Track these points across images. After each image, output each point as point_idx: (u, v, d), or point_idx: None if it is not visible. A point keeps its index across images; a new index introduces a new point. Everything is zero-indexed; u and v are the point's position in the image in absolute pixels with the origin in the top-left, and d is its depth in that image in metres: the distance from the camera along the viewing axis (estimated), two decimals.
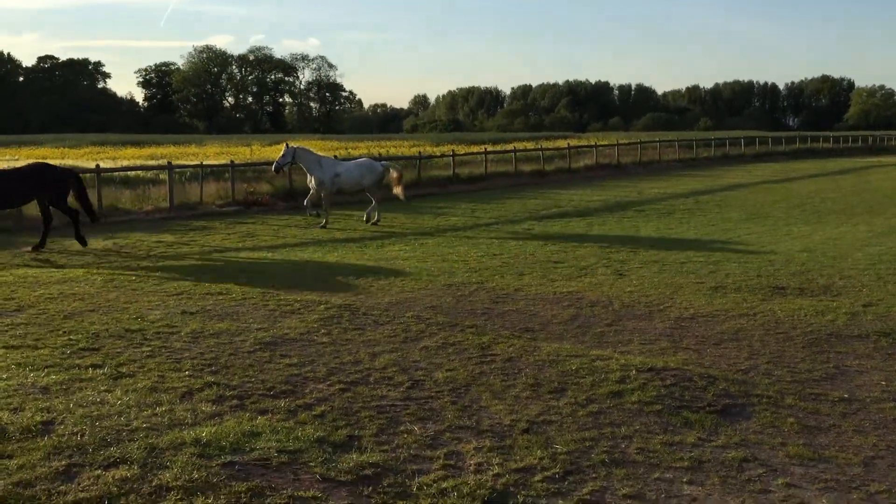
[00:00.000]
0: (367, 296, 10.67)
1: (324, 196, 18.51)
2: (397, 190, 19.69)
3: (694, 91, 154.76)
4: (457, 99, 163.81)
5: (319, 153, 19.77)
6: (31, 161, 21.29)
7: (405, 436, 5.77)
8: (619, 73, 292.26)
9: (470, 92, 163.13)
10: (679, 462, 5.38)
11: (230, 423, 5.90)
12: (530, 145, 47.40)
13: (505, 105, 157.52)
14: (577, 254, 14.41)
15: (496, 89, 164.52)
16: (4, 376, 7.00)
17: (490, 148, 40.24)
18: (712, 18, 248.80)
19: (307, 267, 13.02)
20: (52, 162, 21.11)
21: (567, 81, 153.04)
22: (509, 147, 41.51)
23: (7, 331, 8.63)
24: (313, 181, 18.46)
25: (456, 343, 8.25)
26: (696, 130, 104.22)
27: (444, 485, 4.99)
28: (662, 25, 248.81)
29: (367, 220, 18.74)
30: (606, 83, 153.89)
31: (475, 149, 40.93)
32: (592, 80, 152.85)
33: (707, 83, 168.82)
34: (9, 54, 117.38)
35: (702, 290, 10.99)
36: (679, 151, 47.58)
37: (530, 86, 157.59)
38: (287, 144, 18.86)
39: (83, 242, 14.85)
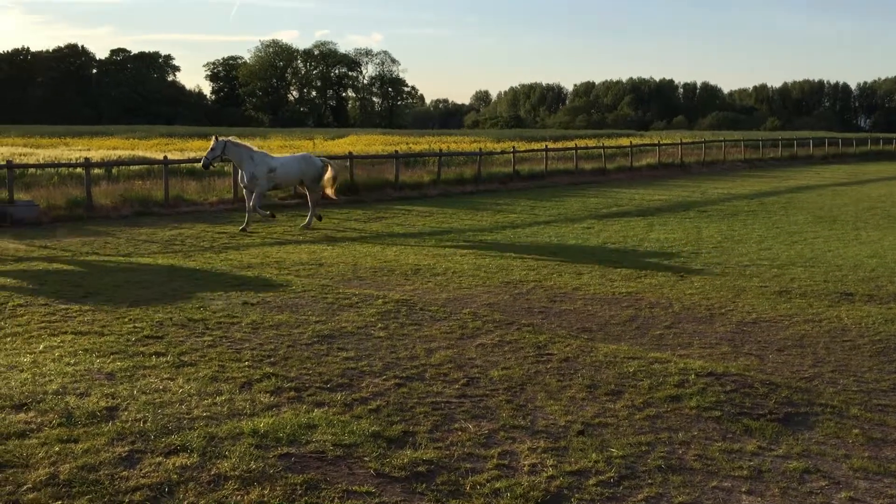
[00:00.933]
0: (424, 291, 10.70)
1: (256, 194, 16.98)
2: (329, 191, 18.35)
3: (761, 90, 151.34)
4: (518, 95, 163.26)
5: (253, 147, 17.92)
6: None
7: (459, 433, 5.77)
8: (684, 70, 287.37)
9: (532, 88, 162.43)
10: (738, 471, 5.27)
11: (287, 415, 5.99)
12: (592, 143, 46.96)
13: (567, 102, 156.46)
14: (637, 254, 14.23)
15: (558, 86, 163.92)
16: (72, 361, 7.24)
17: (551, 145, 39.96)
18: (781, 16, 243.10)
19: (366, 261, 13.13)
20: (122, 153, 21.51)
21: (630, 79, 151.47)
22: (570, 145, 41.19)
23: (76, 317, 8.92)
24: (244, 177, 17.04)
25: (512, 341, 8.22)
26: (762, 130, 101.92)
27: (498, 485, 4.98)
28: (730, 23, 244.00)
29: (307, 226, 17.45)
30: (671, 81, 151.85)
31: (536, 146, 40.71)
32: (657, 78, 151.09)
33: (775, 82, 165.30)
34: (83, 47, 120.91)
35: (765, 295, 10.74)
36: (745, 151, 46.62)
37: (593, 83, 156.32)
38: (216, 137, 17.40)
39: None
